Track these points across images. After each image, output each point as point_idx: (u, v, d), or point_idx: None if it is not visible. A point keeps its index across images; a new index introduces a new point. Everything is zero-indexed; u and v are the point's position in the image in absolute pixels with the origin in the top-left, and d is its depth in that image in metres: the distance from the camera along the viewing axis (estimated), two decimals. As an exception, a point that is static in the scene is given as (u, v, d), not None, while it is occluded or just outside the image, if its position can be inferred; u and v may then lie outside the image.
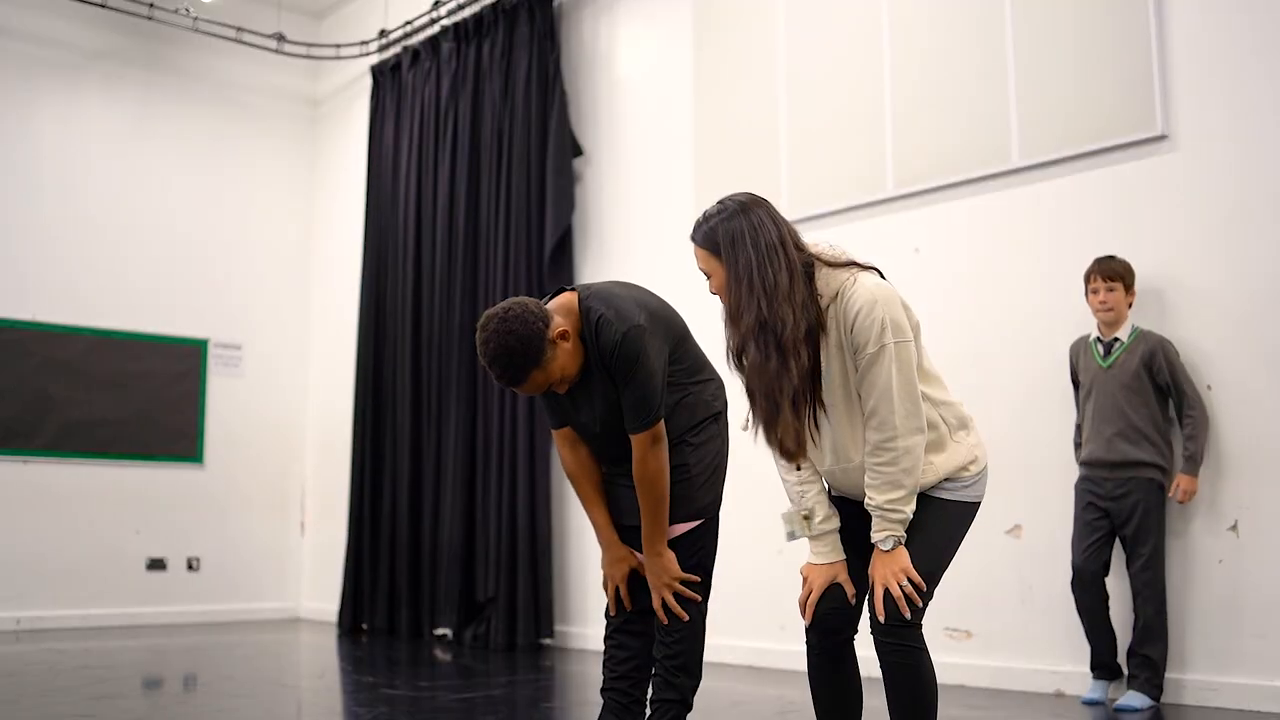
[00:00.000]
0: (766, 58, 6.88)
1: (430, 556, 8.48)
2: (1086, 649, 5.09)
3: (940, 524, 2.81)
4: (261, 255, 10.40)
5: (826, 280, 2.82)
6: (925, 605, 2.74)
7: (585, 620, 7.48)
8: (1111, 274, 5.13)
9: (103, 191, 9.58)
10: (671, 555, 3.39)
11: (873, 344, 2.71)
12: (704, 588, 3.45)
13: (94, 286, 9.45)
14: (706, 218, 2.88)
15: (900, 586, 2.69)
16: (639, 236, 7.54)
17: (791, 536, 2.93)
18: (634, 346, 3.25)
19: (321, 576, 10.04)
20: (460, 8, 8.83)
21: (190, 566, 9.69)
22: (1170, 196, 5.24)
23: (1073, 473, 5.25)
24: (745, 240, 2.79)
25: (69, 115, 9.52)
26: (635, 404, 3.29)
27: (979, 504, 2.90)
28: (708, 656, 6.59)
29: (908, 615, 2.69)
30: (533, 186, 7.98)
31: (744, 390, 2.84)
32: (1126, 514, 5.01)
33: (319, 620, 9.83)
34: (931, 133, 6.04)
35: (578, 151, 7.98)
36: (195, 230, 10.00)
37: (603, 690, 3.54)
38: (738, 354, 2.81)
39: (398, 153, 9.36)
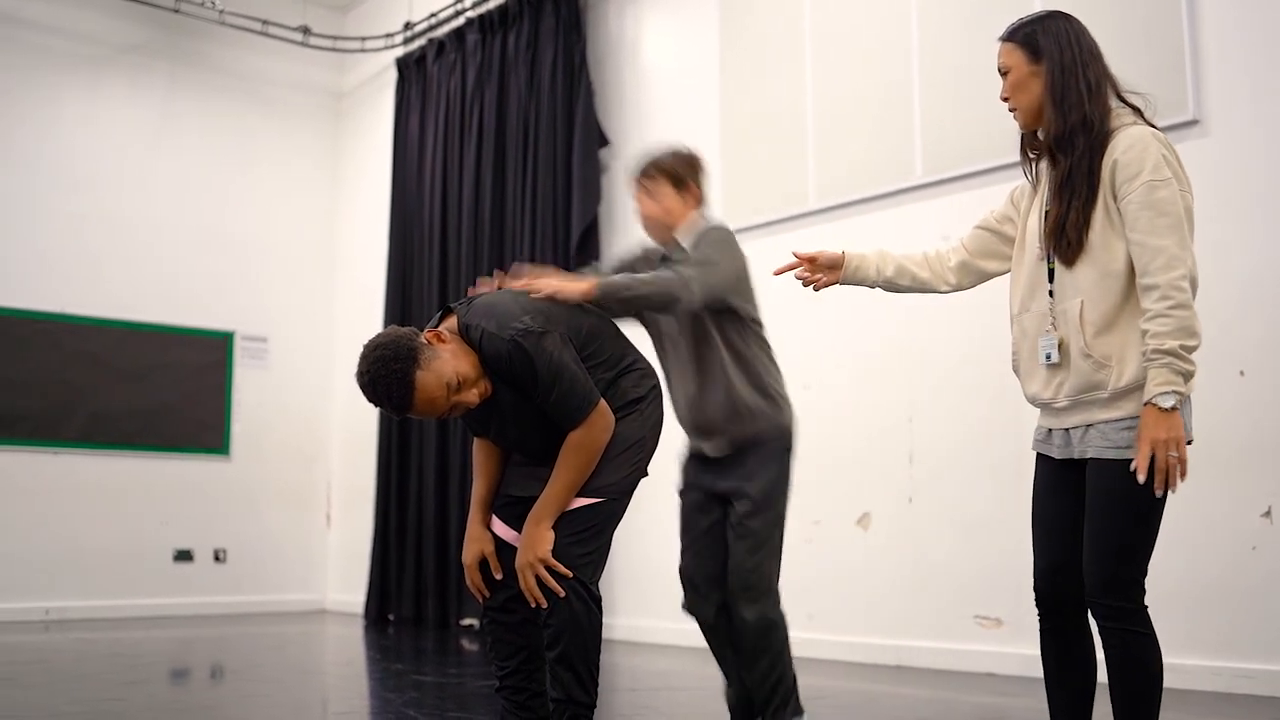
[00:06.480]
0: (793, 46, 6.85)
1: (457, 547, 8.48)
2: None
3: (1137, 487, 2.60)
4: (287, 248, 10.43)
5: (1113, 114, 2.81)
6: (1143, 580, 2.64)
7: (612, 610, 7.47)
8: (642, 174, 3.85)
9: (129, 184, 9.62)
10: (549, 535, 3.09)
11: (1149, 173, 2.64)
12: (591, 572, 3.11)
13: (121, 279, 9.49)
14: (1022, 21, 2.95)
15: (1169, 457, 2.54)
16: (665, 226, 7.52)
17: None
18: (523, 352, 3.03)
19: (347, 568, 10.06)
20: (485, -1, 8.84)
21: (217, 558, 9.72)
22: (1202, 181, 5.15)
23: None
24: (1071, 40, 2.86)
25: (95, 109, 9.55)
26: (559, 403, 3.08)
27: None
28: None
29: (1174, 490, 2.56)
30: (559, 178, 7.97)
31: (1058, 181, 2.81)
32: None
33: (345, 612, 9.85)
34: (960, 118, 6.01)
35: (604, 142, 7.96)
36: (221, 223, 10.03)
37: (497, 690, 3.32)
38: (1059, 138, 2.79)
39: (423, 145, 9.36)
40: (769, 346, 3.67)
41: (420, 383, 2.97)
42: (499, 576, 3.28)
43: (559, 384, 3.06)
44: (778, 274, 3.31)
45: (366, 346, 3.04)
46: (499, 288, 3.32)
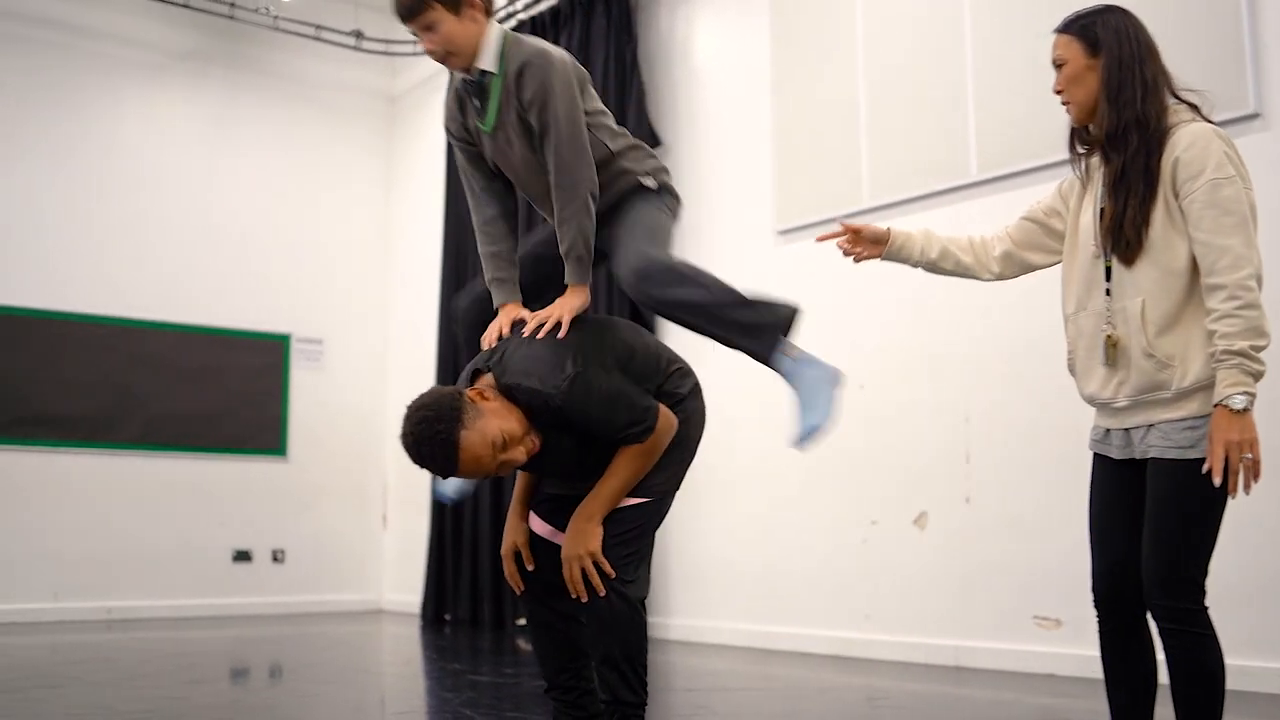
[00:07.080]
0: (845, 43, 6.82)
1: (511, 548, 8.50)
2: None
3: (1198, 487, 2.61)
4: (342, 250, 10.52)
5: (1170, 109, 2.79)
6: (1203, 581, 2.61)
7: (669, 610, 7.47)
8: (408, 18, 3.20)
9: (186, 189, 9.73)
10: (599, 530, 3.04)
11: (1212, 171, 2.62)
12: (634, 571, 3.07)
13: (178, 282, 9.60)
14: (1080, 14, 2.92)
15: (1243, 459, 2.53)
16: (718, 227, 7.50)
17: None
18: (575, 401, 2.98)
19: (404, 568, 10.12)
20: (536, 1, 8.85)
21: (275, 558, 9.81)
22: (1263, 175, 5.09)
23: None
24: (1129, 35, 2.83)
25: (153, 114, 9.68)
26: (623, 431, 3.04)
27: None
28: (792, 645, 6.63)
29: (1248, 492, 2.56)
30: (611, 178, 7.95)
31: (1111, 179, 2.78)
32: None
33: (402, 612, 9.91)
34: (1016, 115, 5.96)
35: (656, 143, 7.95)
36: (276, 226, 10.13)
37: (546, 692, 3.31)
38: (1112, 135, 2.76)
39: (476, 147, 9.38)
40: (619, 134, 3.42)
41: (465, 443, 2.91)
42: (530, 568, 3.27)
43: (618, 415, 3.03)
44: (821, 240, 3.34)
45: (410, 407, 2.99)
46: (509, 333, 3.21)
